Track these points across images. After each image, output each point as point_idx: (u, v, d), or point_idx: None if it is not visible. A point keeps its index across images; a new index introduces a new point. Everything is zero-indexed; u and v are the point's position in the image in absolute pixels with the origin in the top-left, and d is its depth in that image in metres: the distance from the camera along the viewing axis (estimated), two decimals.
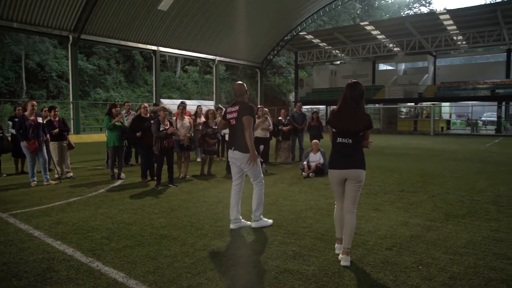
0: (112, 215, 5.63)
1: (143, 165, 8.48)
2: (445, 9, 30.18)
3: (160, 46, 27.99)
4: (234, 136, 4.94)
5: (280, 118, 11.51)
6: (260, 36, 34.26)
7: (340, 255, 3.88)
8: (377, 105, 36.53)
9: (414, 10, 68.46)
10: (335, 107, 4.05)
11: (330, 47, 39.48)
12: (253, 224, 5.03)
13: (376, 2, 65.93)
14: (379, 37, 36.06)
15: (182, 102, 9.33)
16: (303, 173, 9.01)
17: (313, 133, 11.89)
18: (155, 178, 8.12)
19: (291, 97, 46.56)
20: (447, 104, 34.68)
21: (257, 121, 9.95)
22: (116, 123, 8.44)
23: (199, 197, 6.81)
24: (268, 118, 10.29)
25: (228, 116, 4.97)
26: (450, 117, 36.26)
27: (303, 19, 35.49)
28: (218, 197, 6.82)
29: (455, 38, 32.88)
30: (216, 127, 9.52)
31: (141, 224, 5.13)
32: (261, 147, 9.93)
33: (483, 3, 50.18)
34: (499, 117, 30.07)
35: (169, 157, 7.85)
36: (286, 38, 37.15)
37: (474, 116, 32.62)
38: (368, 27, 34.76)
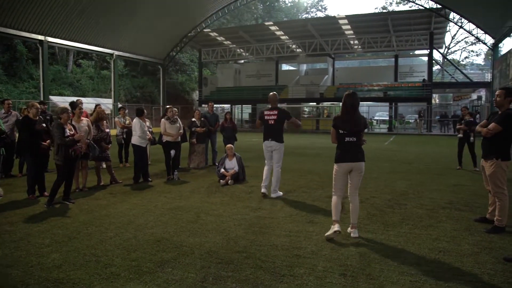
0: None
1: (31, 178, 6.88)
2: (338, 14, 31.96)
3: (48, 36, 24.73)
4: (271, 131, 6.86)
5: (193, 119, 10.53)
6: (162, 31, 32.49)
7: (349, 229, 4.86)
8: (278, 105, 37.16)
9: (311, 14, 71.86)
10: (338, 113, 5.00)
11: (234, 45, 39.23)
12: (273, 195, 6.88)
13: (276, 4, 67.64)
14: (282, 37, 36.76)
15: (77, 100, 7.90)
16: (221, 180, 8.21)
17: (227, 135, 11.16)
18: (46, 193, 6.67)
19: (195, 95, 45.38)
20: None
21: (167, 124, 8.86)
22: None
23: (103, 217, 5.60)
24: (179, 120, 9.25)
25: (267, 117, 6.86)
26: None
27: (207, 15, 34.57)
28: (128, 216, 5.67)
29: (352, 42, 34.91)
30: (108, 130, 8.29)
31: (25, 265, 3.85)
32: (172, 152, 8.87)
33: (375, 11, 54.20)
34: (390, 116, 32.63)
35: (72, 168, 6.47)
36: (189, 34, 35.90)
37: (368, 116, 35.02)
38: (272, 27, 35.20)
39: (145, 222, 5.34)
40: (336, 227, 4.69)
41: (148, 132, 8.54)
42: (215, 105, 34.14)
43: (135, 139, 8.40)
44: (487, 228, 5.14)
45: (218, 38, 38.67)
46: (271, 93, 7.03)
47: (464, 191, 7.64)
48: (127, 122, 10.93)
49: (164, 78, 37.73)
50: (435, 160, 12.97)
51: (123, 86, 37.11)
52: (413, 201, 6.74)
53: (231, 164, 8.54)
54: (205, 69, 45.98)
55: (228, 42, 39.27)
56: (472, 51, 62.42)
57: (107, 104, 28.54)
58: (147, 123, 9.28)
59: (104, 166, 8.89)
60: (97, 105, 9.90)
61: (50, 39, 24.96)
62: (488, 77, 35.40)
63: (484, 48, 53.41)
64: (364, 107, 36.01)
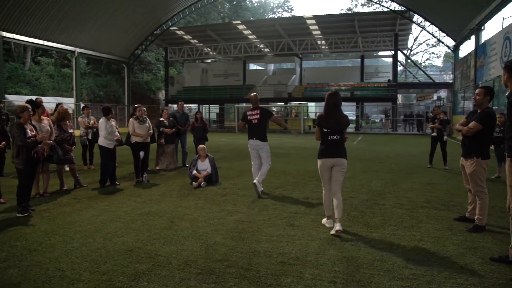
0: None
1: None
2: (306, 15, 32.12)
3: (3, 30, 23.31)
4: (254, 131, 7.04)
5: (161, 119, 10.10)
6: (127, 28, 31.52)
7: (335, 223, 4.89)
8: (244, 104, 36.93)
9: (278, 15, 72.12)
10: (321, 112, 5.20)
11: (201, 44, 38.66)
12: (256, 183, 6.93)
13: (243, 4, 67.41)
14: (250, 37, 36.58)
15: (37, 99, 7.32)
16: (194, 183, 7.86)
17: (198, 135, 10.82)
18: (1, 200, 6.14)
19: (161, 95, 44.43)
20: (313, 104, 36.98)
21: (136, 123, 8.40)
22: None
23: (67, 226, 5.14)
24: (148, 119, 8.79)
25: (250, 117, 7.07)
26: (316, 116, 38.80)
27: (174, 13, 33.82)
28: (95, 223, 5.24)
29: (319, 42, 35.17)
30: (72, 130, 7.75)
31: None
32: (141, 153, 8.41)
33: (340, 12, 54.79)
34: (357, 116, 33.12)
35: (33, 172, 5.94)
36: (155, 32, 35.04)
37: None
38: (240, 27, 34.94)
39: (115, 230, 4.93)
40: (328, 223, 5.07)
41: (116, 133, 8.05)
42: (170, 106, 32.43)
43: (101, 140, 7.91)
44: (468, 227, 5.11)
45: (185, 37, 37.99)
46: (253, 94, 7.32)
47: (438, 190, 7.67)
48: (92, 122, 10.37)
49: (129, 77, 36.66)
50: (404, 159, 13.13)
51: (85, 85, 35.71)
52: (390, 201, 6.68)
53: (204, 166, 8.21)
54: (171, 68, 45.08)
55: (195, 41, 38.66)
56: (433, 53, 64.57)
57: (68, 103, 27.26)
58: (113, 123, 8.76)
59: (67, 169, 8.36)
60: (58, 104, 9.31)
61: (5, 34, 23.52)
62: (446, 78, 36.61)
63: (444, 50, 55.48)
64: None
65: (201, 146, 8.46)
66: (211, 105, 40.18)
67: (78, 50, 29.60)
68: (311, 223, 5.34)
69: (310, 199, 6.79)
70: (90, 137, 10.27)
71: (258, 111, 7.07)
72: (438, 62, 63.56)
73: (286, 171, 10.07)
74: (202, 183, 7.81)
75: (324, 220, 5.22)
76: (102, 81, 38.91)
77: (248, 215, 5.72)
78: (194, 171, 8.06)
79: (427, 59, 57.64)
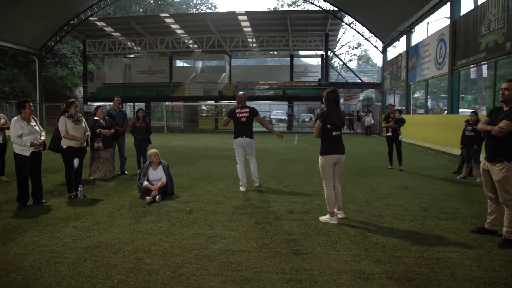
0: None
1: None
2: (236, 11, 31.08)
3: None
4: (244, 128, 7.16)
5: (96, 118, 8.32)
6: (38, 15, 27.83)
7: (336, 210, 5.32)
8: (168, 102, 34.97)
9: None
10: (324, 109, 5.25)
11: (124, 38, 35.80)
12: (256, 184, 7.54)
13: None
14: (178, 31, 34.63)
15: None
16: (147, 197, 6.32)
17: (140, 137, 9.25)
18: None
19: (78, 92, 40.53)
20: None
21: (69, 123, 6.57)
22: None
23: None
24: (84, 119, 7.00)
25: (239, 115, 7.16)
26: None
27: (93, 2, 30.68)
28: (24, 270, 3.56)
29: (250, 40, 34.37)
30: None
31: None
32: (76, 161, 6.61)
33: (270, 9, 54.40)
34: (290, 115, 32.90)
35: None
36: (72, 22, 31.57)
37: (264, 115, 34.98)
38: (168, 20, 32.84)
39: (58, 280, 3.35)
40: (334, 220, 5.16)
41: (38, 135, 6.16)
42: (104, 103, 29.50)
43: (14, 145, 6.00)
44: (495, 241, 4.45)
45: (106, 29, 34.83)
46: (241, 92, 7.44)
47: (422, 195, 7.04)
48: (2, 121, 8.26)
49: (40, 72, 32.69)
50: (357, 159, 12.61)
51: None
52: (385, 211, 5.84)
53: (157, 175, 6.71)
54: (89, 63, 41.21)
55: (117, 33, 35.65)
56: (354, 54, 67.38)
57: None
58: (33, 123, 6.81)
59: None
60: None
61: None
62: (363, 79, 37.72)
63: (359, 53, 57.74)
64: (262, 106, 35.88)
65: (153, 150, 6.91)
66: (135, 103, 37.44)
67: None
68: (319, 248, 4.23)
69: (295, 213, 5.69)
70: (0, 140, 8.16)
71: (248, 110, 7.19)
72: (353, 64, 66.25)
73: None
74: (156, 197, 6.31)
75: (325, 218, 5.25)
76: (8, 75, 34.24)
77: (235, 241, 4.44)
78: (146, 182, 6.54)
79: (350, 60, 59.91)
